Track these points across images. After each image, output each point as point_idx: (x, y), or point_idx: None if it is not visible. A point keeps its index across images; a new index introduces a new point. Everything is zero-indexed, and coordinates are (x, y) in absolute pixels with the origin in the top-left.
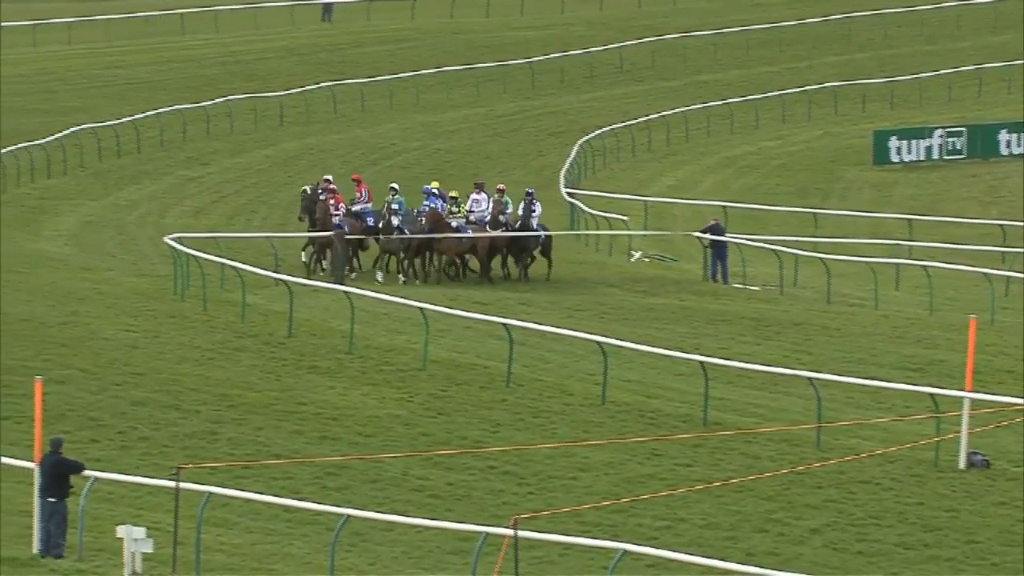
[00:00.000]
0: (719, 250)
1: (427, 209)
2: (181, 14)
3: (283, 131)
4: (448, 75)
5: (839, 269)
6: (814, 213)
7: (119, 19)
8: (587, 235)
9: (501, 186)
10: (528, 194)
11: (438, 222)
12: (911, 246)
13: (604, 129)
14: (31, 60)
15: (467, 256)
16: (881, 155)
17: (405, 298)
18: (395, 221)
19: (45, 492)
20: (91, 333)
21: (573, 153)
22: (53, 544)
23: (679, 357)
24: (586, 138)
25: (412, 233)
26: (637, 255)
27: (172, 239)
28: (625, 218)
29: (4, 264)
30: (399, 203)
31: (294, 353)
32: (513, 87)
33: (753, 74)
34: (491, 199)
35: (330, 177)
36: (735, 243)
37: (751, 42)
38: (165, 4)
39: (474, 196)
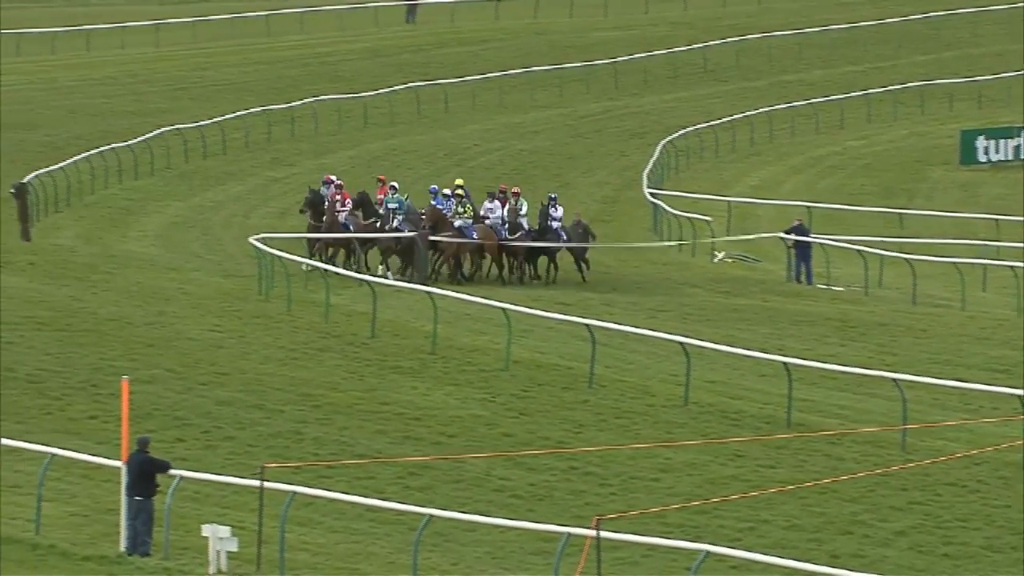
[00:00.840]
0: (803, 251)
1: (430, 208)
2: (267, 16)
3: (367, 132)
4: (532, 76)
5: (925, 270)
6: (899, 213)
7: (206, 21)
8: (670, 237)
9: (516, 189)
10: (551, 199)
11: (439, 220)
12: (998, 246)
13: (688, 129)
14: (119, 62)
15: (462, 258)
16: (968, 155)
17: (488, 298)
18: (395, 222)
19: (132, 490)
20: (177, 333)
21: (656, 153)
22: (140, 542)
23: (762, 358)
24: (669, 138)
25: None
26: (720, 256)
27: (257, 240)
28: (708, 219)
29: (92, 264)
30: (398, 202)
31: (377, 353)
32: (597, 87)
33: (838, 74)
34: (507, 206)
35: (333, 177)
36: (819, 244)
37: (836, 41)
38: (251, 6)
39: (487, 204)
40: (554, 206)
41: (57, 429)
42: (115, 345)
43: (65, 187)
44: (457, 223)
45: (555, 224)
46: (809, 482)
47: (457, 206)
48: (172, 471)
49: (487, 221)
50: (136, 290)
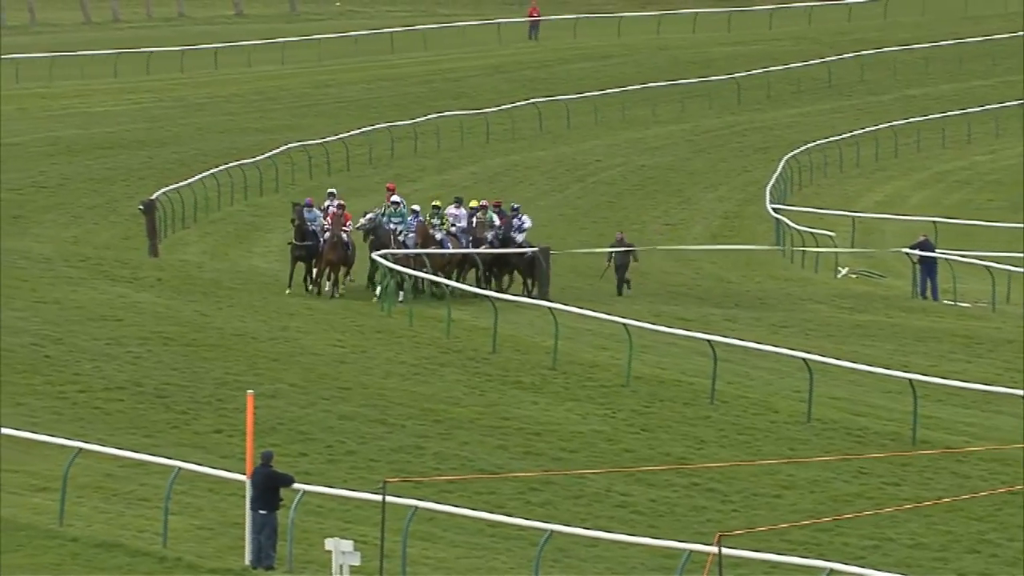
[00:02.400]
0: (928, 266)
1: (415, 224)
2: (390, 33)
3: (489, 148)
4: (654, 91)
5: None
6: None
7: (330, 39)
8: (793, 251)
9: (484, 202)
10: (514, 209)
11: (425, 236)
12: None
13: (811, 144)
14: (245, 80)
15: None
16: None
17: (609, 314)
18: (401, 237)
19: (256, 504)
20: (301, 348)
21: (779, 169)
22: (264, 556)
23: (887, 375)
24: (792, 153)
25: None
26: (844, 271)
27: (379, 255)
28: (832, 234)
29: (218, 280)
30: (401, 215)
31: (498, 368)
32: (719, 103)
33: (965, 88)
34: (474, 215)
35: (335, 191)
36: (945, 259)
37: (964, 55)
38: (375, 24)
39: (452, 210)
40: (518, 216)
41: (183, 443)
42: (240, 360)
43: (192, 203)
44: (438, 236)
45: (519, 236)
46: (933, 500)
47: (431, 218)
48: (295, 485)
49: (453, 229)
50: (260, 305)
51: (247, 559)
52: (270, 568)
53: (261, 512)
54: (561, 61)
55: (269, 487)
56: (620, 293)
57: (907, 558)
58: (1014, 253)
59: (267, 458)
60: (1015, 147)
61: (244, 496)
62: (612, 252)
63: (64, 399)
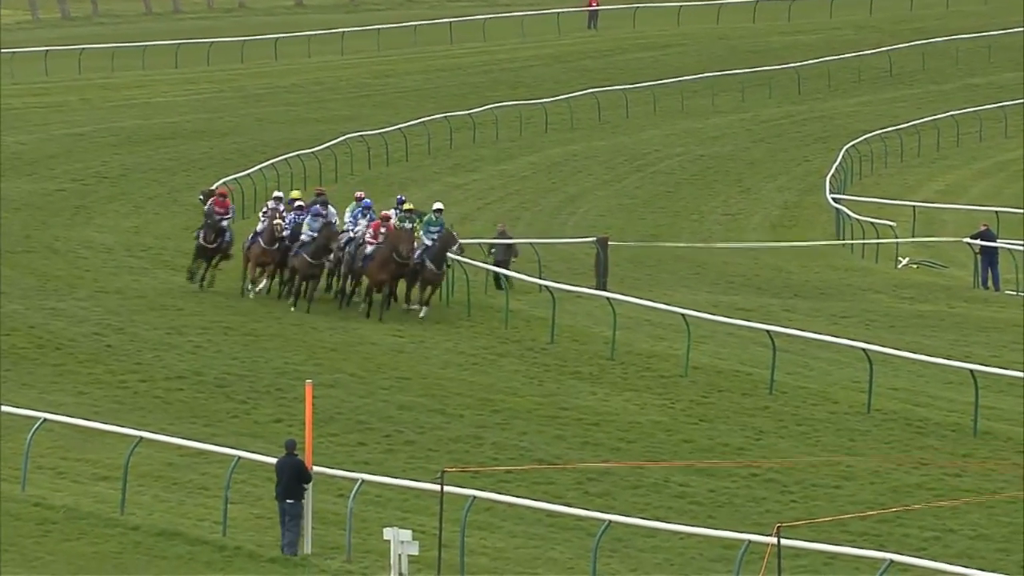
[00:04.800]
0: (990, 256)
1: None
2: (449, 23)
3: (547, 138)
4: (713, 80)
5: None
6: None
7: (389, 29)
8: (853, 243)
9: (410, 205)
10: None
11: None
12: None
13: (871, 134)
14: (305, 70)
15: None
16: None
17: (667, 304)
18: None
19: (283, 494)
20: (359, 338)
21: (839, 158)
22: (288, 544)
23: (948, 365)
24: (853, 143)
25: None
26: (904, 261)
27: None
28: (893, 224)
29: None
30: (439, 224)
31: (556, 359)
32: (779, 92)
33: None
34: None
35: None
36: (1007, 249)
37: None
38: (434, 14)
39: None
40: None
41: (243, 432)
42: (299, 350)
43: (252, 193)
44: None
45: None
46: (997, 491)
47: (405, 222)
48: (355, 475)
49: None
50: (319, 295)
51: (307, 548)
52: (293, 555)
53: (288, 502)
54: (620, 50)
55: (294, 476)
56: (499, 287)
57: (969, 549)
58: None
59: (291, 447)
60: None
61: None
62: (493, 247)
63: (125, 388)
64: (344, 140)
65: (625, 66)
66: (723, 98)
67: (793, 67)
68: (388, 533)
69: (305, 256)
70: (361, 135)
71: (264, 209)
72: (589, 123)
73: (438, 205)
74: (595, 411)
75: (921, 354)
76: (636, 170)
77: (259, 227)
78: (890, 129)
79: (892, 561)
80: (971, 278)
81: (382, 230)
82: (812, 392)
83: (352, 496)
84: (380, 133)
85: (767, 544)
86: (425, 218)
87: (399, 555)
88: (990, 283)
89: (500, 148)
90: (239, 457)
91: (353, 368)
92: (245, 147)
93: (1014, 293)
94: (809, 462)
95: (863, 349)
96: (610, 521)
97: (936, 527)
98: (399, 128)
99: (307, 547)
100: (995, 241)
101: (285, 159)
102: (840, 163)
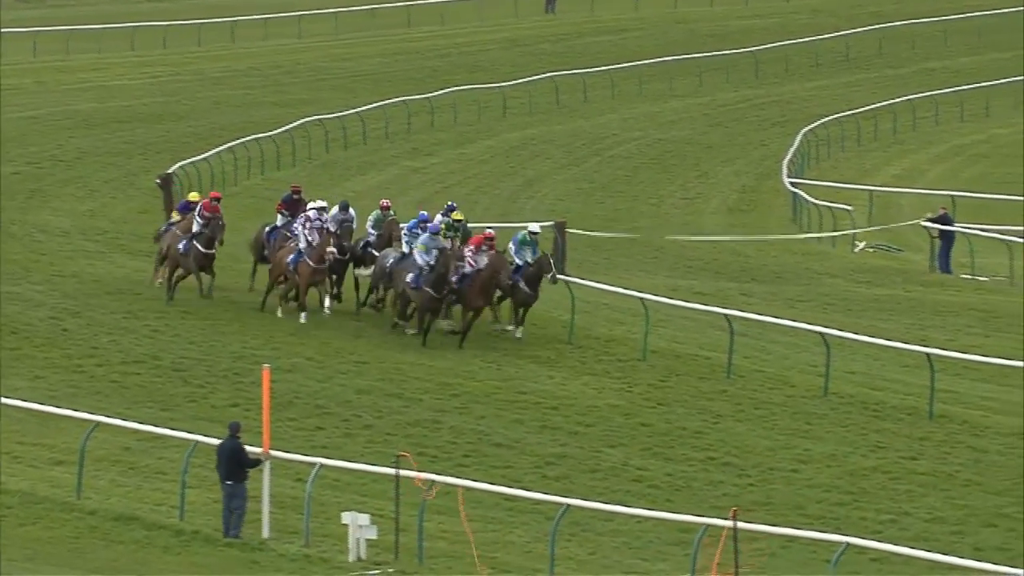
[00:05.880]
0: (948, 240)
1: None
2: (407, 7)
3: (505, 122)
4: (670, 65)
5: None
6: None
7: (347, 12)
8: (810, 227)
9: (452, 203)
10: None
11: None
12: None
13: (828, 118)
14: (262, 53)
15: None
16: None
17: (626, 288)
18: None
19: (223, 475)
20: (317, 323)
21: (796, 143)
22: (232, 526)
23: (904, 349)
24: (810, 127)
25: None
26: (861, 245)
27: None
28: (850, 208)
29: (235, 254)
30: (458, 231)
31: (514, 343)
32: (736, 76)
33: (984, 61)
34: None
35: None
36: (963, 233)
37: (982, 28)
38: None
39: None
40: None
41: (200, 416)
42: (257, 334)
43: (209, 177)
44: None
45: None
46: (952, 474)
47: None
48: (312, 459)
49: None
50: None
51: (265, 532)
52: (236, 538)
53: (228, 483)
54: (578, 35)
55: (233, 459)
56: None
57: (924, 532)
58: None
59: (234, 429)
60: None
61: (261, 470)
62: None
63: (82, 372)
64: (302, 124)
65: (583, 50)
66: (681, 82)
67: (751, 51)
68: (346, 517)
69: (428, 290)
70: (319, 119)
71: (303, 220)
72: (547, 107)
73: (535, 228)
74: (553, 395)
75: (878, 338)
76: (594, 154)
77: (301, 242)
78: (847, 113)
79: (849, 544)
80: (927, 262)
81: (485, 250)
82: (769, 376)
83: (310, 480)
84: (338, 117)
85: (724, 527)
86: (519, 238)
87: (357, 539)
88: (944, 266)
89: (458, 132)
90: (196, 442)
91: (311, 352)
92: (202, 130)
93: (970, 277)
94: (767, 445)
95: (820, 333)
96: (568, 505)
97: (892, 510)
98: (357, 112)
99: (265, 531)
100: (952, 225)
101: (242, 143)
102: (797, 147)
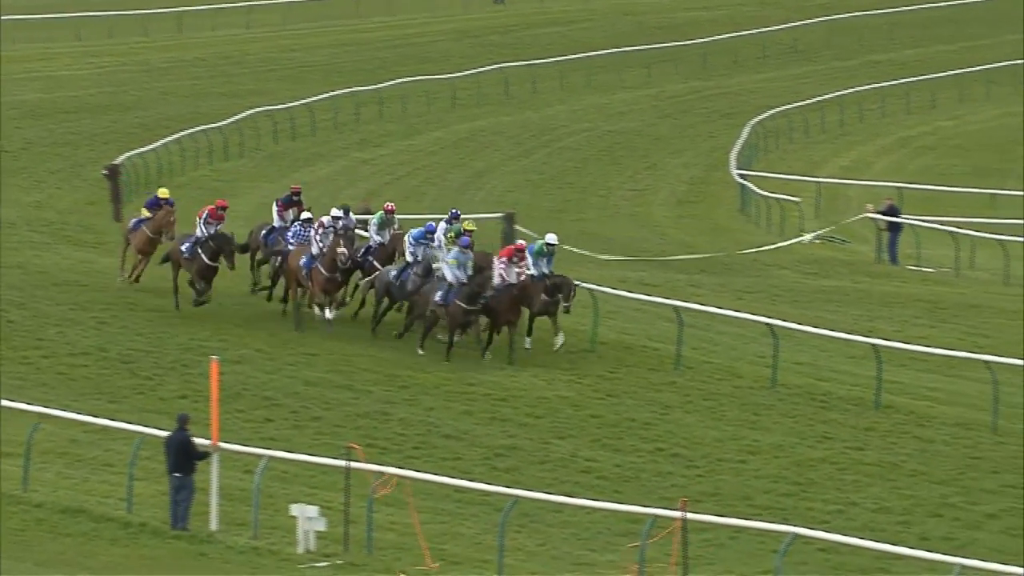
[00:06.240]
0: (895, 231)
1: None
2: None
3: (455, 113)
4: (619, 56)
5: (1017, 251)
6: (992, 194)
7: (296, 3)
8: (759, 219)
9: (455, 210)
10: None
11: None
12: None
13: (776, 110)
14: (210, 44)
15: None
16: None
17: (575, 279)
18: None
19: (171, 467)
20: (266, 314)
21: (745, 134)
22: (180, 518)
23: (851, 340)
24: (759, 119)
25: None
26: (809, 236)
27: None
28: (798, 199)
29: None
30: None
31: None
32: (685, 68)
33: (930, 53)
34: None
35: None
36: (910, 224)
37: (928, 21)
38: None
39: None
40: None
41: (148, 408)
42: (205, 326)
43: (156, 168)
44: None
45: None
46: (898, 464)
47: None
48: (261, 451)
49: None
50: (225, 271)
51: (213, 525)
52: (184, 530)
53: (176, 475)
54: (526, 26)
55: (181, 451)
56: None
57: (871, 522)
58: (978, 218)
59: (183, 421)
60: (978, 112)
61: (209, 462)
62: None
63: (28, 364)
64: (250, 115)
65: (532, 41)
66: (630, 74)
67: (699, 43)
68: (295, 509)
69: (460, 303)
70: (267, 110)
71: (320, 228)
72: (496, 99)
73: (552, 239)
74: (503, 386)
75: (825, 329)
76: (543, 145)
77: (314, 249)
78: (795, 105)
79: (796, 535)
80: (873, 253)
81: (517, 261)
82: (718, 367)
83: (259, 472)
84: (286, 108)
85: (673, 518)
86: (535, 248)
87: (306, 531)
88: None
89: (407, 123)
90: (144, 434)
91: (260, 344)
92: (149, 121)
93: (916, 268)
94: (715, 436)
95: (768, 324)
96: (517, 496)
97: (840, 500)
98: (306, 103)
99: (213, 523)
100: (899, 216)
101: (190, 133)
102: (746, 139)
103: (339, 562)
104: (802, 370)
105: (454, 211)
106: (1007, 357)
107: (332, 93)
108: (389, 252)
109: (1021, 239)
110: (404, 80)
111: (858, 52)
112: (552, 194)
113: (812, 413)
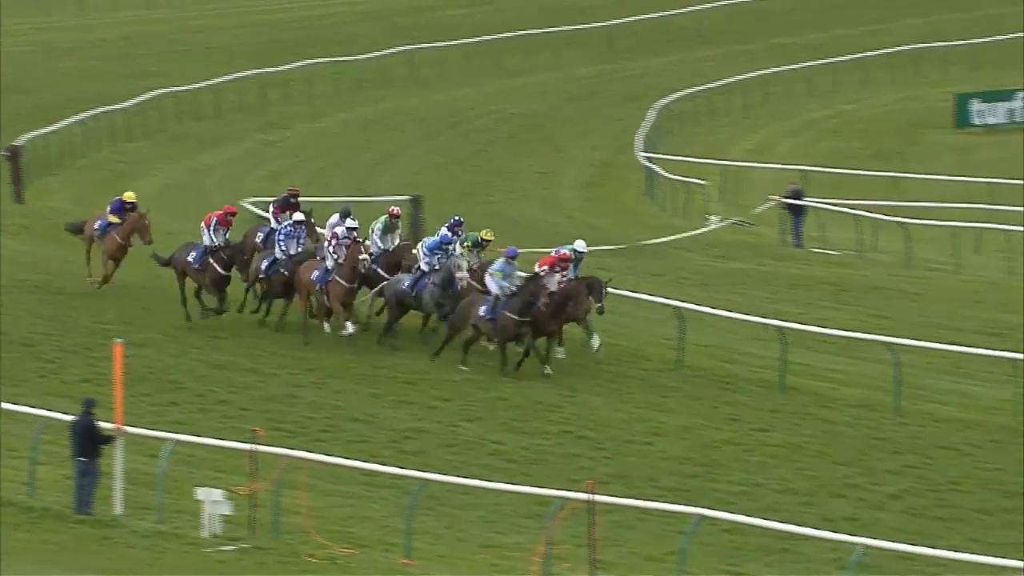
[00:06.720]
0: (799, 214)
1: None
2: None
3: (361, 95)
4: (526, 39)
5: (919, 233)
6: (894, 177)
7: None
8: (664, 202)
9: (458, 216)
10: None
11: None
12: (992, 210)
13: (682, 93)
14: (113, 24)
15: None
16: (962, 118)
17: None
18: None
19: (76, 452)
20: (172, 297)
21: (651, 117)
22: (84, 502)
23: (757, 322)
24: (664, 102)
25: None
26: (714, 219)
27: (249, 203)
28: (703, 183)
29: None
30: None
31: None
32: (591, 51)
33: (832, 37)
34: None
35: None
36: (814, 207)
37: (830, 5)
38: None
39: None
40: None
41: (51, 392)
42: (109, 308)
43: (58, 150)
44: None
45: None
46: (802, 445)
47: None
48: (167, 435)
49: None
50: (130, 253)
51: (118, 508)
52: (88, 515)
53: (82, 460)
54: (433, 7)
55: (86, 435)
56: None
57: (776, 503)
58: (881, 201)
59: (88, 405)
60: (880, 96)
61: (113, 446)
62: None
63: None
64: (154, 96)
65: (439, 23)
66: (537, 57)
67: (604, 26)
68: (200, 493)
69: (509, 314)
70: (172, 91)
71: (331, 238)
72: (403, 81)
73: (581, 246)
74: (410, 369)
75: (731, 311)
76: (450, 128)
77: (329, 262)
78: (700, 88)
79: (702, 516)
80: (778, 236)
81: (558, 271)
82: (624, 349)
83: (164, 456)
84: (191, 89)
85: (580, 500)
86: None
87: (211, 515)
88: (797, 240)
89: (313, 106)
90: (47, 417)
91: (165, 327)
92: (51, 103)
93: (820, 251)
94: (621, 418)
95: (674, 306)
96: (425, 480)
97: (744, 481)
98: (211, 84)
99: (118, 507)
100: (802, 199)
101: (94, 115)
102: (652, 122)
103: (245, 546)
104: (708, 352)
105: (456, 218)
106: (909, 339)
107: (237, 75)
108: (396, 260)
109: (922, 222)
110: (310, 62)
111: (761, 35)
112: (459, 177)
113: (717, 395)
